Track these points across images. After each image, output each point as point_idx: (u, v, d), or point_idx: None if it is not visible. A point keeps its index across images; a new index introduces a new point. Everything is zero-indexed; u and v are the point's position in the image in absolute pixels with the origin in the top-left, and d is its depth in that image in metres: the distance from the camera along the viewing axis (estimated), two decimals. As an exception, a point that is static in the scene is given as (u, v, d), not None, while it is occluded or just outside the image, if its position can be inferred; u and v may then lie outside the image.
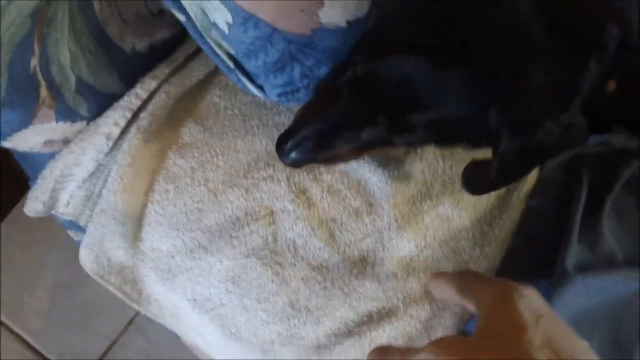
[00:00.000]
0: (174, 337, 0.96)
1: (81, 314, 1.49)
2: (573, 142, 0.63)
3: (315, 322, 0.79)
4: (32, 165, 0.84)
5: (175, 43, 0.86)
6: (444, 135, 0.64)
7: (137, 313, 1.48)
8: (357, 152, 0.71)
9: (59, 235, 1.43)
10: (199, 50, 0.86)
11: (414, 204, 0.82)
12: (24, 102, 0.72)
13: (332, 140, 0.67)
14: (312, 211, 0.81)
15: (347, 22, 0.73)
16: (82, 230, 1.20)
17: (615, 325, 0.77)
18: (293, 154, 0.69)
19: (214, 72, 0.87)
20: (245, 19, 0.69)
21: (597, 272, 0.76)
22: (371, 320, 0.79)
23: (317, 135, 0.67)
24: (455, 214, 0.82)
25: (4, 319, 1.49)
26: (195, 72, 0.85)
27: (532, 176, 0.84)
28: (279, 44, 0.72)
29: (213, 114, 0.85)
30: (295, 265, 0.79)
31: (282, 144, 0.69)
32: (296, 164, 0.71)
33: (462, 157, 0.83)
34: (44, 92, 0.73)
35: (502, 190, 0.84)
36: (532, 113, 0.59)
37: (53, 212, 0.85)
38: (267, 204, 0.81)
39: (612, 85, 0.65)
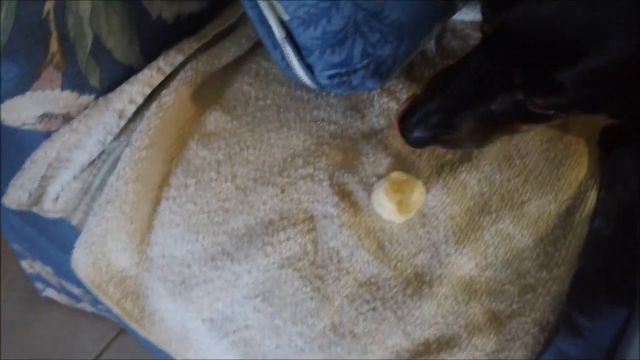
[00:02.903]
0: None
1: (34, 355, 1.28)
2: None
3: (362, 350, 0.64)
4: (14, 150, 0.68)
5: (203, 20, 0.75)
6: (597, 95, 0.54)
7: (94, 358, 1.29)
8: (484, 132, 0.61)
9: (10, 273, 1.30)
10: (229, 31, 0.75)
11: (472, 217, 0.71)
12: (30, 54, 0.59)
13: (460, 115, 0.58)
14: (358, 218, 0.68)
15: (421, -6, 0.64)
16: (40, 259, 1.03)
17: None
18: (416, 132, 0.61)
19: (244, 58, 0.75)
20: (314, -29, 0.59)
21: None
22: (429, 350, 0.65)
23: (443, 111, 0.59)
24: (517, 231, 0.71)
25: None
26: (226, 52, 0.73)
27: (592, 197, 0.76)
28: (346, 9, 0.62)
29: (242, 102, 0.73)
30: (339, 280, 0.66)
31: (406, 119, 0.61)
32: (419, 143, 0.62)
33: (519, 169, 0.74)
34: (54, 45, 0.60)
35: (562, 209, 0.75)
36: None
37: (36, 209, 0.70)
38: (307, 206, 0.68)
39: None
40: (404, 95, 0.76)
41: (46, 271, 1.10)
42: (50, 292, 1.23)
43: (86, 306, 1.18)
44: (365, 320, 0.65)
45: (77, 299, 1.16)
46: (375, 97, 0.76)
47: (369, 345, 0.65)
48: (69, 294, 1.15)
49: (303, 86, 0.73)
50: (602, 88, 0.52)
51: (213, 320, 0.66)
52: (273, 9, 0.64)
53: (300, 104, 0.74)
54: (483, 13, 0.56)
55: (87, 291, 0.84)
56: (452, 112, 0.60)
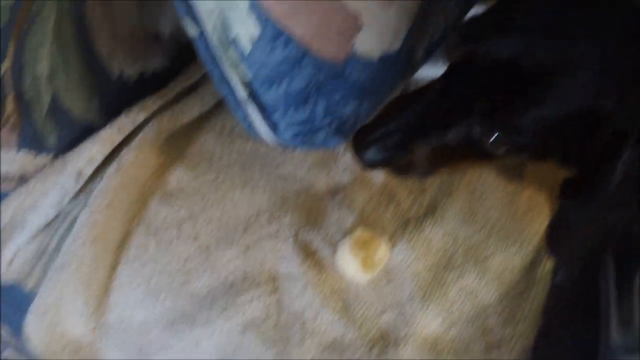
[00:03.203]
0: None
1: None
2: None
3: (328, 414, 0.63)
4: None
5: (167, 78, 0.74)
6: (552, 141, 0.55)
7: None
8: (435, 161, 0.61)
9: None
10: (193, 88, 0.75)
11: (437, 273, 0.71)
12: (-17, 116, 0.57)
13: (416, 141, 0.58)
14: (323, 276, 0.67)
15: (380, 57, 0.65)
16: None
17: None
18: (371, 152, 0.63)
19: (209, 115, 0.75)
20: (275, 35, 0.59)
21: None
22: (397, 412, 0.64)
23: (401, 133, 0.60)
24: (481, 286, 0.71)
25: None
26: (190, 109, 0.73)
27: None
28: (308, 70, 0.62)
29: (206, 160, 0.72)
30: (303, 342, 0.65)
31: (360, 137, 0.63)
32: (372, 164, 0.63)
33: (482, 222, 0.75)
34: (10, 105, 0.59)
35: (526, 262, 0.75)
36: None
37: (-10, 271, 0.67)
38: (270, 266, 0.67)
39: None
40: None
41: (5, 330, 1.06)
42: (9, 354, 1.19)
43: None
44: (331, 384, 0.64)
45: None
46: (341, 152, 0.76)
47: (336, 410, 0.64)
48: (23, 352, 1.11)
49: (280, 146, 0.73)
50: (557, 134, 0.53)
51: (173, 390, 0.64)
52: (235, 69, 0.64)
53: (265, 161, 0.74)
54: (456, 43, 0.57)
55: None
56: (409, 136, 0.62)
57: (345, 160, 0.75)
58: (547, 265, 0.76)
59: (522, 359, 0.69)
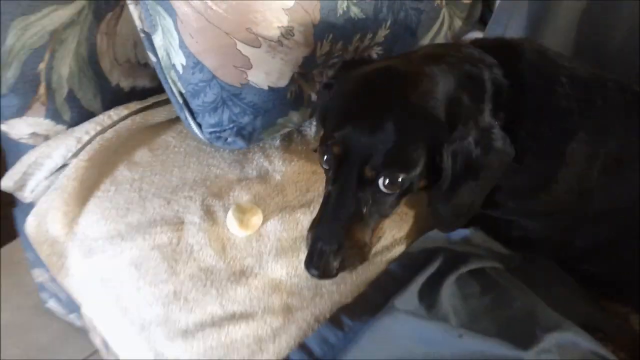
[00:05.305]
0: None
1: (20, 354, 1.59)
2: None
3: (189, 310, 0.94)
4: (15, 153, 1.09)
5: (151, 93, 1.15)
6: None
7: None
8: (362, 238, 0.90)
9: (24, 283, 1.63)
10: (165, 102, 1.14)
11: (295, 243, 1.01)
12: (25, 92, 1.00)
13: (339, 233, 0.87)
14: (213, 227, 1.01)
15: (269, 87, 1.00)
16: (42, 265, 1.37)
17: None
18: (319, 270, 0.88)
19: (174, 120, 1.13)
20: (195, 64, 0.97)
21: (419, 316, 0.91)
22: (233, 317, 0.94)
23: (325, 237, 0.88)
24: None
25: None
26: (159, 113, 1.13)
27: (399, 250, 1.03)
28: (215, 89, 0.99)
29: (163, 147, 1.11)
30: (187, 263, 0.98)
31: (309, 269, 0.89)
32: (328, 277, 0.89)
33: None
34: (41, 90, 1.01)
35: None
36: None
37: (19, 194, 1.08)
38: (181, 215, 1.02)
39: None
40: (276, 157, 1.10)
41: (46, 278, 1.43)
42: (51, 304, 1.54)
43: (75, 319, 1.48)
44: (196, 292, 0.95)
45: (69, 310, 1.48)
46: (255, 157, 1.11)
47: (194, 308, 0.94)
48: (61, 302, 1.47)
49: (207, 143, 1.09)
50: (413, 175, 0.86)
51: (102, 278, 0.99)
52: (175, 85, 1.02)
53: (202, 154, 1.11)
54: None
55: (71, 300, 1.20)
56: (336, 235, 0.88)
57: (256, 161, 1.10)
58: (388, 257, 1.02)
59: (335, 307, 0.95)
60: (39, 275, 1.46)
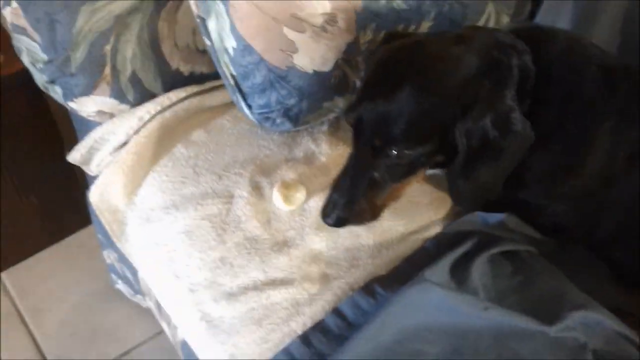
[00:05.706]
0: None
1: (90, 333, 1.72)
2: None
3: (233, 275, 1.02)
4: (84, 130, 1.19)
5: (209, 78, 1.23)
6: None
7: (135, 346, 1.70)
8: (375, 200, 0.97)
9: (96, 267, 1.75)
10: (221, 87, 1.22)
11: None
12: (92, 72, 1.10)
13: (355, 192, 0.95)
14: (260, 202, 1.08)
15: (314, 70, 1.07)
16: (111, 246, 1.46)
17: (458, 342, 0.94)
18: (332, 218, 0.97)
19: (229, 105, 1.21)
20: (244, 47, 1.04)
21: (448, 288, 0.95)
22: (274, 283, 1.01)
23: (344, 194, 0.95)
24: (365, 234, 1.05)
25: (27, 318, 1.76)
26: (215, 97, 1.22)
27: (435, 230, 1.08)
28: (263, 71, 1.06)
29: (218, 129, 1.19)
30: (234, 233, 1.05)
31: (324, 218, 0.98)
32: (338, 224, 0.98)
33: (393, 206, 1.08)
34: (107, 70, 1.11)
35: (407, 231, 1.07)
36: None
37: (85, 167, 1.18)
38: (231, 189, 1.10)
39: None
40: (323, 141, 1.16)
41: (114, 257, 1.52)
42: (120, 285, 1.65)
43: (141, 300, 1.57)
44: (241, 259, 1.03)
45: (134, 291, 1.58)
46: (303, 140, 1.18)
47: (239, 273, 1.02)
48: (129, 282, 1.57)
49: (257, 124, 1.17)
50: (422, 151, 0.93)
51: (157, 244, 1.08)
52: (227, 67, 1.10)
53: (254, 135, 1.18)
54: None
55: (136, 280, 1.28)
56: (349, 192, 0.96)
57: (303, 145, 1.17)
58: (424, 236, 1.06)
59: (369, 278, 1.00)
60: (108, 255, 1.57)
